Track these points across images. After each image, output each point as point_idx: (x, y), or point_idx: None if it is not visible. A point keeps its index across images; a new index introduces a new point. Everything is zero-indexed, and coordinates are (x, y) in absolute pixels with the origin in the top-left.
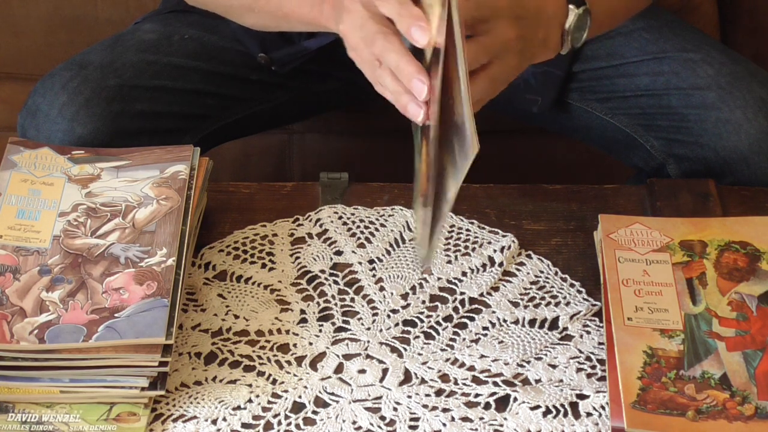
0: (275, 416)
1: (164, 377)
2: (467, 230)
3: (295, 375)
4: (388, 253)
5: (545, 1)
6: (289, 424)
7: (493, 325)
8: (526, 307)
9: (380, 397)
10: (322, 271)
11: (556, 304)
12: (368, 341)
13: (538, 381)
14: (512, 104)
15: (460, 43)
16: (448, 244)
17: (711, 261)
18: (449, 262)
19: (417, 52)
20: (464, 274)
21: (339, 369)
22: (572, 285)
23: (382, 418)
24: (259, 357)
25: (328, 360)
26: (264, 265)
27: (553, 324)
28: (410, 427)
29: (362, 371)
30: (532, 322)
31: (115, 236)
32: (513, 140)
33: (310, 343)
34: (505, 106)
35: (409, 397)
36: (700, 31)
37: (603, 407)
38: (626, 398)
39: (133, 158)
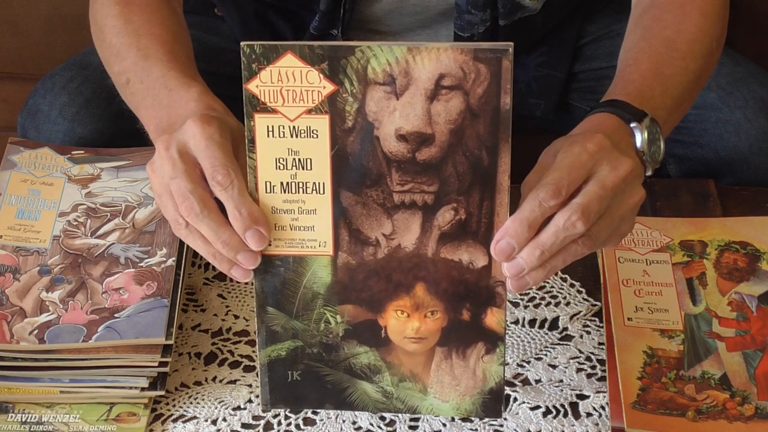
0: (275, 416)
1: (164, 377)
2: None
3: None
4: None
5: (601, 133)
6: (289, 424)
7: None
8: (526, 307)
9: None
10: None
11: (556, 304)
12: None
13: (538, 381)
14: (515, 110)
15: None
16: None
17: (711, 261)
18: None
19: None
20: None
21: None
22: (572, 285)
23: (382, 418)
24: None
25: None
26: None
27: (553, 324)
28: (410, 427)
29: None
30: (532, 322)
31: (115, 236)
32: (513, 140)
33: None
34: None
35: None
36: None
37: (603, 407)
38: (626, 398)
39: (133, 158)
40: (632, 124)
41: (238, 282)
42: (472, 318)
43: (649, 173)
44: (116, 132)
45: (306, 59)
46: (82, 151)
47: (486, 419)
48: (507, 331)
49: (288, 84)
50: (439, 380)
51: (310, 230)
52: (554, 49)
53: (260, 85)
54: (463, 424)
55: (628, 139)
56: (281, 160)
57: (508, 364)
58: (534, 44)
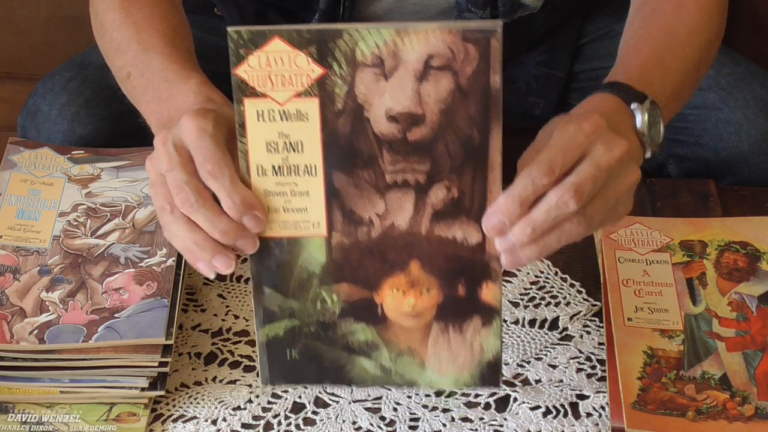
0: (275, 416)
1: (164, 377)
2: None
3: None
4: None
5: (600, 112)
6: (289, 424)
7: None
8: (526, 307)
9: (380, 398)
10: None
11: (556, 304)
12: None
13: (538, 381)
14: (515, 108)
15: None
16: None
17: (711, 261)
18: None
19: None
20: None
21: None
22: (572, 285)
23: (382, 418)
24: None
25: None
26: None
27: (553, 324)
28: (410, 427)
29: None
30: (532, 322)
31: (115, 236)
32: (513, 140)
33: None
34: (506, 109)
35: (409, 397)
36: None
37: (603, 407)
38: (626, 398)
39: (133, 158)
40: (633, 105)
41: (238, 282)
42: (468, 293)
43: (648, 155)
44: (116, 132)
45: (294, 43)
46: (82, 151)
47: (486, 390)
48: (502, 305)
49: (276, 68)
50: (437, 354)
51: (303, 212)
52: (554, 48)
53: (248, 70)
54: (463, 424)
55: (628, 121)
56: (272, 143)
57: (504, 337)
58: (534, 43)
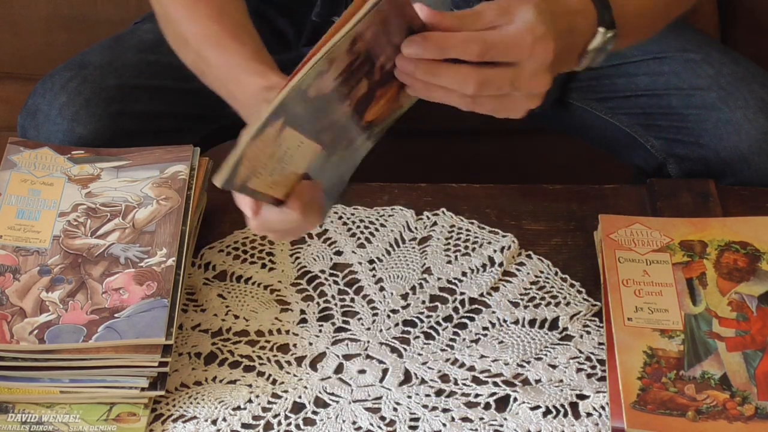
0: (275, 416)
1: (164, 377)
2: (467, 230)
3: (295, 375)
4: (388, 253)
5: (576, 18)
6: (289, 424)
7: (493, 325)
8: (526, 307)
9: (380, 398)
10: (322, 271)
11: (556, 304)
12: (368, 341)
13: (538, 381)
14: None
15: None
16: (448, 244)
17: (711, 261)
18: (449, 262)
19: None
20: (464, 274)
21: (339, 369)
22: (572, 285)
23: (382, 418)
24: (259, 357)
25: (328, 360)
26: (264, 265)
27: (553, 324)
28: (410, 427)
29: (362, 371)
30: (532, 322)
31: (115, 236)
32: (513, 140)
33: (310, 344)
34: None
35: (409, 397)
36: (700, 32)
37: (603, 407)
38: (626, 398)
39: (133, 158)
40: (600, 29)
41: (238, 282)
42: None
43: (578, 68)
44: (116, 132)
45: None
46: (82, 151)
47: None
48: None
49: (258, 156)
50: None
51: (301, 160)
52: None
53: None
54: (463, 424)
55: (585, 36)
56: (266, 167)
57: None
58: None
